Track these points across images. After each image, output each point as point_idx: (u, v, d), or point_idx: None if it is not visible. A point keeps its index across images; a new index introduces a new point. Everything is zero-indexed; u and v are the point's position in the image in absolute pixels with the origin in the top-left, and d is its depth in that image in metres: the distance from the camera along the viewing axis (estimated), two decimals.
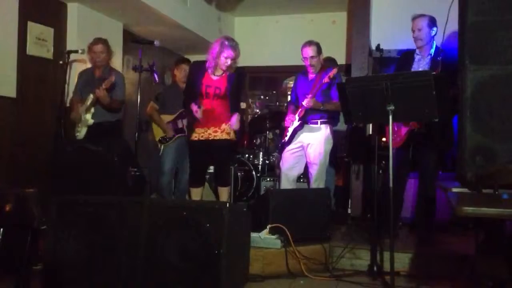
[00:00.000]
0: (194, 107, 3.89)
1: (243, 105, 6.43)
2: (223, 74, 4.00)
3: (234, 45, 3.93)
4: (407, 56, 3.80)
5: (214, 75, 4.00)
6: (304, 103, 4.04)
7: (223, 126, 3.98)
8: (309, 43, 4.21)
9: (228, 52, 3.88)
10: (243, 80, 4.13)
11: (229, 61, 3.90)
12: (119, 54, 5.60)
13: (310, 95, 4.06)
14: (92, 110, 4.37)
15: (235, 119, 3.94)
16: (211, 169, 4.80)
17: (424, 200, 3.72)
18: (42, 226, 2.79)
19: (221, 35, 4.24)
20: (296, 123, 4.21)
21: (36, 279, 2.79)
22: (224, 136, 3.99)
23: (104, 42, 4.49)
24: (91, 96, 4.32)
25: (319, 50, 4.20)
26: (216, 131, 3.98)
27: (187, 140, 4.25)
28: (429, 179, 3.69)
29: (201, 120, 3.94)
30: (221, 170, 4.21)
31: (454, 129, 3.62)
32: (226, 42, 3.90)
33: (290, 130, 4.25)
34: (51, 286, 2.83)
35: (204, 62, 4.03)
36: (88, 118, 4.36)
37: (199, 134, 4.00)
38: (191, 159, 4.18)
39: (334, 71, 4.00)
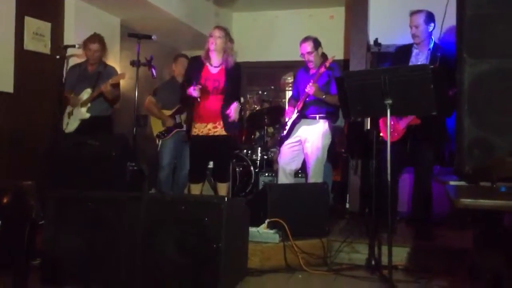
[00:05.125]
0: (190, 89, 3.88)
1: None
2: (221, 67, 4.00)
3: (219, 26, 4.02)
4: (404, 49, 3.79)
5: (212, 66, 4.00)
6: (307, 88, 4.02)
7: (222, 122, 3.98)
8: (305, 39, 4.20)
9: (213, 31, 3.94)
10: (241, 74, 4.13)
11: (216, 39, 3.91)
12: (117, 49, 5.59)
13: (312, 82, 4.03)
14: (89, 104, 4.38)
15: (233, 109, 3.91)
16: (211, 164, 4.79)
17: (421, 194, 3.73)
18: (40, 221, 2.80)
19: None
20: (295, 115, 4.20)
21: (34, 274, 2.78)
22: (224, 132, 3.99)
23: (100, 40, 4.51)
24: (88, 90, 4.37)
25: (315, 45, 4.16)
26: (216, 127, 3.98)
27: (186, 136, 4.26)
28: (425, 173, 3.70)
29: (201, 110, 3.92)
30: (221, 165, 4.21)
31: (447, 123, 3.63)
32: (214, 27, 4.00)
33: (289, 123, 4.25)
34: (49, 281, 2.83)
35: (201, 56, 4.05)
36: (84, 112, 4.40)
37: (199, 129, 4.00)
38: (191, 155, 4.18)
39: (331, 59, 3.98)
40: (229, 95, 3.98)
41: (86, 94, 4.39)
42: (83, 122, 4.41)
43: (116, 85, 4.39)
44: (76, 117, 4.41)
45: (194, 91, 3.87)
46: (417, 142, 3.62)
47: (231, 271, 2.77)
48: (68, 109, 4.49)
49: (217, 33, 3.95)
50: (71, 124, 4.43)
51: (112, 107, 4.58)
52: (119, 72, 4.63)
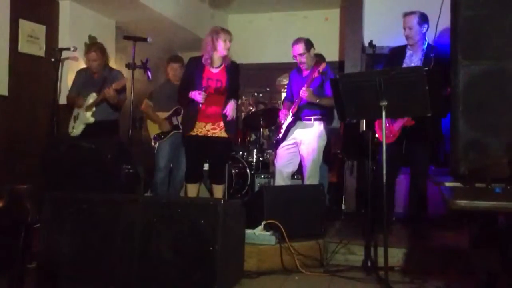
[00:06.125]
0: (194, 93, 3.87)
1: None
2: (222, 66, 4.00)
3: (226, 29, 4.04)
4: (398, 51, 3.80)
5: (213, 67, 4.00)
6: (301, 92, 4.02)
7: (222, 124, 3.97)
8: (297, 40, 4.19)
9: (224, 35, 3.94)
10: (239, 72, 4.15)
11: (228, 43, 3.94)
12: (112, 51, 5.58)
13: (305, 86, 4.04)
14: (94, 109, 4.38)
15: (230, 107, 3.91)
16: (206, 166, 4.78)
17: (417, 194, 3.74)
18: (36, 224, 2.79)
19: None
20: (289, 118, 4.21)
21: (30, 277, 2.77)
22: (223, 134, 3.98)
23: (97, 49, 4.48)
24: (94, 95, 4.39)
25: (307, 47, 4.15)
26: (215, 128, 3.97)
27: (182, 136, 4.25)
28: (421, 174, 3.71)
29: (201, 110, 3.91)
30: (217, 167, 4.20)
31: (442, 123, 3.65)
32: (217, 29, 3.98)
33: (284, 126, 4.25)
34: (45, 284, 2.82)
35: (201, 57, 4.02)
36: (89, 116, 4.41)
37: (198, 129, 3.98)
38: (188, 154, 4.16)
39: (323, 65, 3.99)
40: (231, 94, 3.98)
41: (91, 98, 4.41)
42: (88, 126, 4.41)
43: (121, 90, 4.38)
44: (81, 121, 4.42)
45: (199, 95, 3.86)
46: (412, 143, 3.63)
47: (227, 273, 2.77)
48: (74, 112, 4.50)
49: (229, 36, 3.96)
50: (76, 128, 4.44)
51: (117, 111, 4.58)
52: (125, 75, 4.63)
